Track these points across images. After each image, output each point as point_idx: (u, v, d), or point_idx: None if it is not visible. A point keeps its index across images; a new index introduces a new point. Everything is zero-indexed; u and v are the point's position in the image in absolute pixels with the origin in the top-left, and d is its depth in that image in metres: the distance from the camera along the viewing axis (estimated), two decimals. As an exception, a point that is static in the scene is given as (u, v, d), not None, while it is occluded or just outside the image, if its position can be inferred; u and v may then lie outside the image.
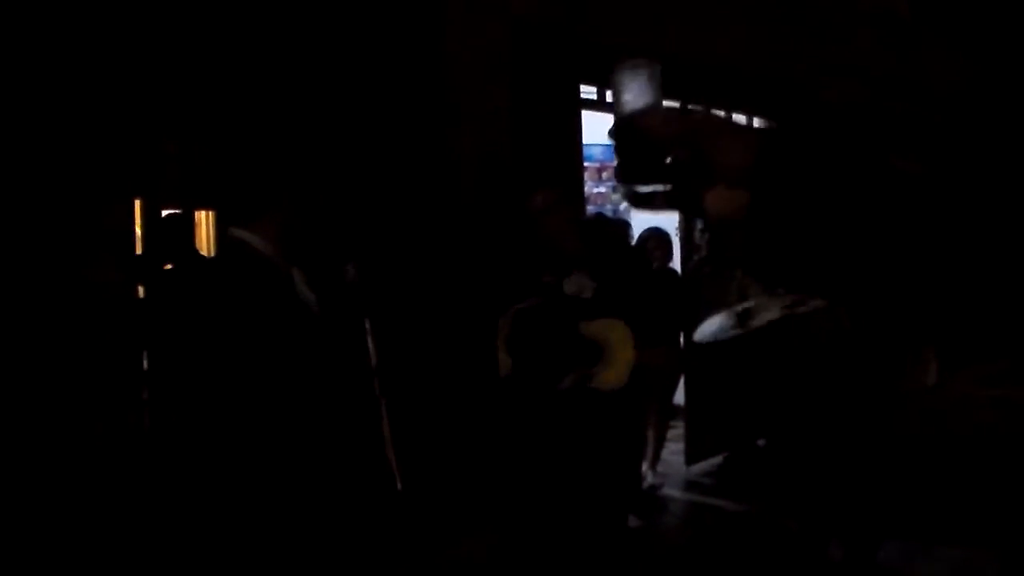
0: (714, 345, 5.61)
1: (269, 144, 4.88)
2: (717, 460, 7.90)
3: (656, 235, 7.55)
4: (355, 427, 3.03)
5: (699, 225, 7.78)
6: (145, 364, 5.14)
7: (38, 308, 4.54)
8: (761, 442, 7.49)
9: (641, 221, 8.24)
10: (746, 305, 5.41)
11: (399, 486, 3.15)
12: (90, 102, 4.74)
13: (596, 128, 8.02)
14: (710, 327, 5.48)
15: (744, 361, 5.90)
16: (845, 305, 5.10)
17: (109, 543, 4.54)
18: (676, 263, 7.99)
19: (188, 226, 5.40)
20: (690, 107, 8.21)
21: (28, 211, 4.55)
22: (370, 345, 3.49)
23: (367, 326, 3.55)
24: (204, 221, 6.03)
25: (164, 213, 5.33)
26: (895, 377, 5.33)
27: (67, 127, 4.67)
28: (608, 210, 9.88)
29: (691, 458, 7.87)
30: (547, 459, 4.16)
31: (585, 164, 7.81)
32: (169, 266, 5.17)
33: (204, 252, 5.66)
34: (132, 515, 4.65)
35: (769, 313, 5.20)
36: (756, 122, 9.06)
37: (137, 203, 5.14)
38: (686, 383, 7.80)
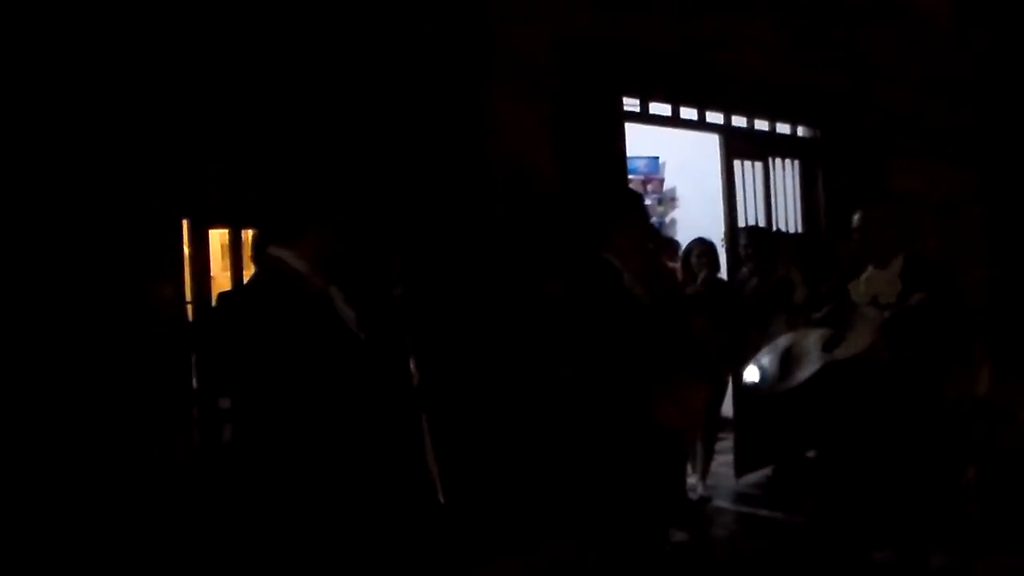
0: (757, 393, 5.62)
1: (307, 163, 4.93)
2: (766, 472, 7.85)
3: (700, 246, 7.50)
4: (397, 442, 3.05)
5: (743, 239, 7.74)
6: (194, 383, 5.22)
7: (87, 327, 4.62)
8: (810, 453, 7.44)
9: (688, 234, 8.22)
10: (786, 345, 5.40)
11: (441, 500, 3.17)
12: (136, 123, 4.81)
13: (639, 140, 8.02)
14: (752, 373, 5.49)
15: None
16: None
17: (158, 557, 4.60)
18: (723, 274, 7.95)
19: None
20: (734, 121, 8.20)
21: (76, 232, 4.63)
22: (411, 361, 3.52)
23: (408, 342, 3.59)
24: (248, 241, 6.10)
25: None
26: (941, 387, 5.29)
27: (113, 148, 4.75)
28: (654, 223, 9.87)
29: (740, 470, 7.83)
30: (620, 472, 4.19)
31: (629, 177, 7.80)
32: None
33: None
34: (182, 531, 4.71)
35: (810, 365, 5.19)
36: (801, 131, 9.04)
37: (184, 223, 5.22)
38: (734, 395, 7.76)
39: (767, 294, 7.24)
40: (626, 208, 4.41)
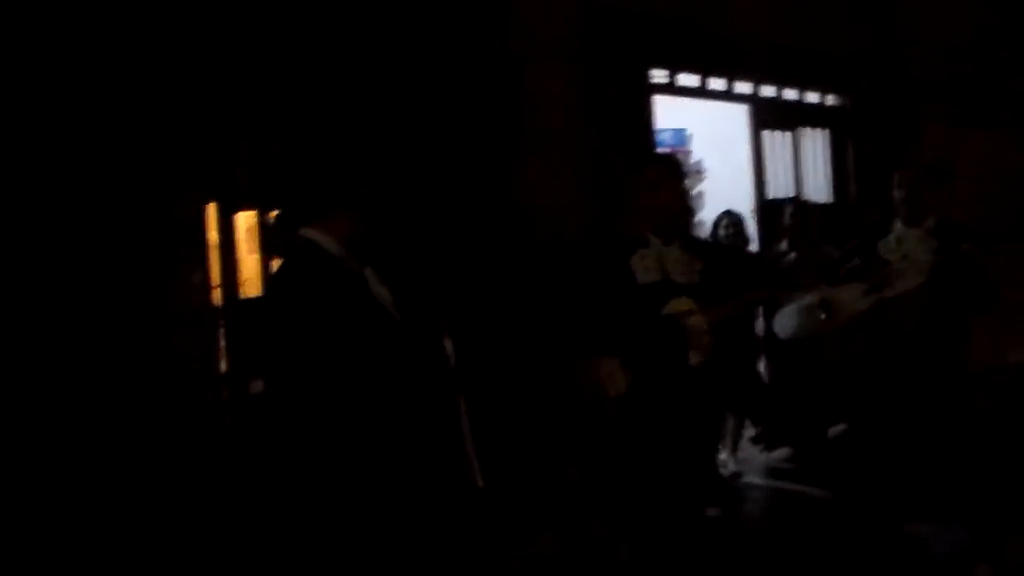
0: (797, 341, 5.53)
1: (338, 143, 4.89)
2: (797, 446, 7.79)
3: (729, 217, 7.38)
4: (434, 424, 3.01)
5: (790, 208, 7.60)
6: (224, 366, 5.20)
7: (117, 311, 4.60)
8: (840, 427, 7.38)
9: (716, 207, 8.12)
10: (824, 295, 5.27)
11: (480, 483, 3.13)
12: (161, 106, 4.78)
13: (666, 112, 7.92)
14: (788, 321, 5.37)
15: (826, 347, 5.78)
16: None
17: (191, 537, 4.60)
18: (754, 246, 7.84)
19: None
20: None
21: (103, 216, 4.60)
22: (447, 342, 3.48)
23: (444, 323, 3.55)
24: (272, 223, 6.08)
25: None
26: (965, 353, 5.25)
27: (140, 131, 4.72)
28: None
29: (771, 444, 7.77)
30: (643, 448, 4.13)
31: (657, 149, 7.72)
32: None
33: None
34: (213, 512, 4.70)
35: (857, 302, 5.10)
36: (830, 100, 8.92)
37: (211, 206, 5.18)
38: (764, 369, 7.70)
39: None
40: (659, 171, 4.30)
